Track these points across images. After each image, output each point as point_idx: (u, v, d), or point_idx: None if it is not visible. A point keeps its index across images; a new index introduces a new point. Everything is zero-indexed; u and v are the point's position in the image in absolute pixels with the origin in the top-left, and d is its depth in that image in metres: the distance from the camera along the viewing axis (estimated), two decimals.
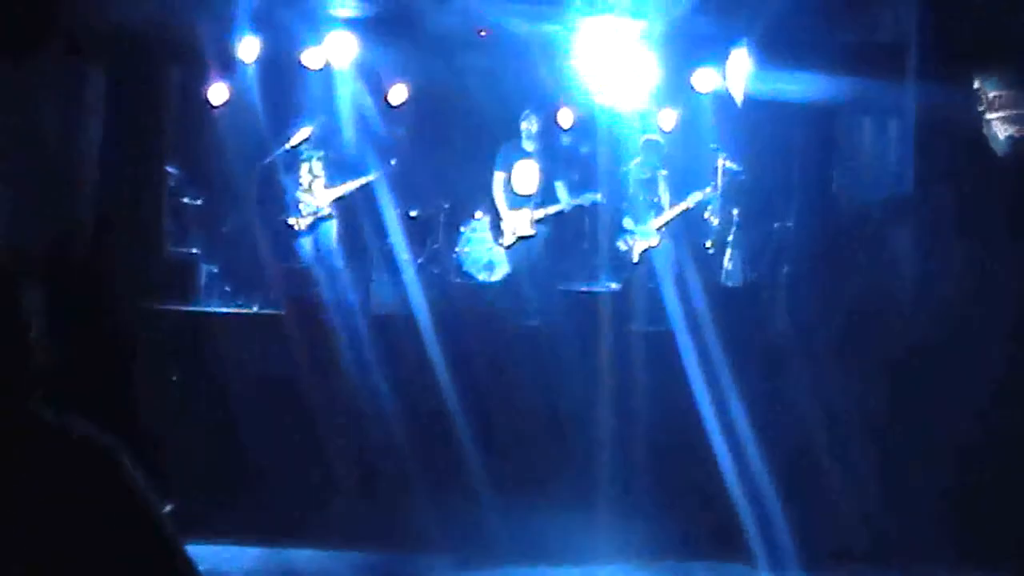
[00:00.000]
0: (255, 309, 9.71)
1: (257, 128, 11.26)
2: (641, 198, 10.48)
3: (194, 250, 10.67)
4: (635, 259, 10.37)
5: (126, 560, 1.79)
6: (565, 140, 11.81)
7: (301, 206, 10.73)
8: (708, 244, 10.75)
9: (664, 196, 10.46)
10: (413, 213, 11.51)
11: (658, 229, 10.35)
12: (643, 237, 10.38)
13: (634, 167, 10.61)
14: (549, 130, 10.95)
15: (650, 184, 10.51)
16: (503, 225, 10.59)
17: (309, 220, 10.74)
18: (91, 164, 8.32)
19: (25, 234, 7.76)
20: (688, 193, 10.39)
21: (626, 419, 8.23)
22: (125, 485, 1.82)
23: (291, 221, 10.74)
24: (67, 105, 8.06)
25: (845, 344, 8.35)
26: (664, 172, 10.55)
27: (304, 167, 10.81)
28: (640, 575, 7.26)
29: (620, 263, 10.70)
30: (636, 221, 10.45)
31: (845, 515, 7.53)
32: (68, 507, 1.75)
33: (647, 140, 10.64)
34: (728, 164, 10.66)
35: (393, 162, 11.18)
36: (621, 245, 10.55)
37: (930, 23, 8.30)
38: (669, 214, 10.36)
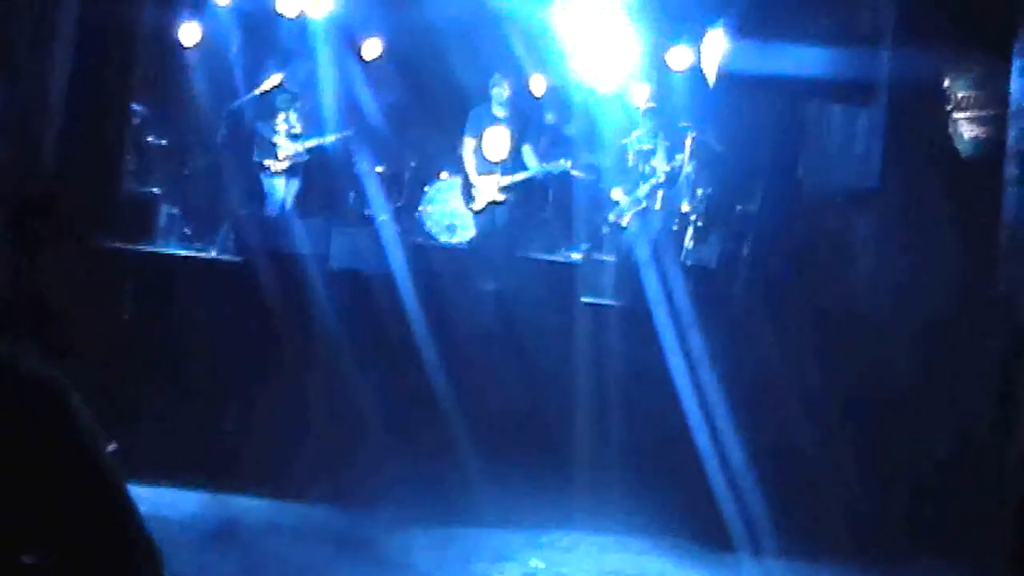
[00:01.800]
0: (213, 254, 9.66)
1: (227, 72, 11.18)
2: (640, 169, 10.53)
3: (156, 190, 10.59)
4: (624, 226, 10.46)
5: (67, 496, 1.80)
6: (536, 108, 11.80)
7: (278, 151, 10.71)
8: (679, 217, 10.80)
9: (660, 166, 10.50)
10: (379, 169, 11.49)
11: (645, 196, 10.46)
12: (631, 207, 10.46)
13: (636, 138, 10.64)
14: (520, 96, 10.95)
15: (649, 155, 10.56)
16: (473, 190, 10.59)
17: (285, 164, 10.72)
18: (56, 97, 8.21)
19: None
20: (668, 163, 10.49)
21: (576, 389, 8.28)
22: (70, 421, 1.82)
23: (267, 163, 10.70)
24: (34, 35, 7.94)
25: (800, 330, 8.43)
26: (667, 143, 10.58)
27: (281, 116, 10.78)
28: (587, 544, 7.34)
29: (588, 234, 10.79)
30: (628, 192, 10.51)
31: (810, 496, 7.62)
32: (11, 441, 1.76)
33: (648, 109, 10.65)
34: (696, 143, 10.70)
35: (365, 121, 11.19)
36: (611, 217, 10.62)
37: (906, 19, 8.35)
38: (653, 181, 10.44)
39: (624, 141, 10.71)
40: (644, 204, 10.47)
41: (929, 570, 7.11)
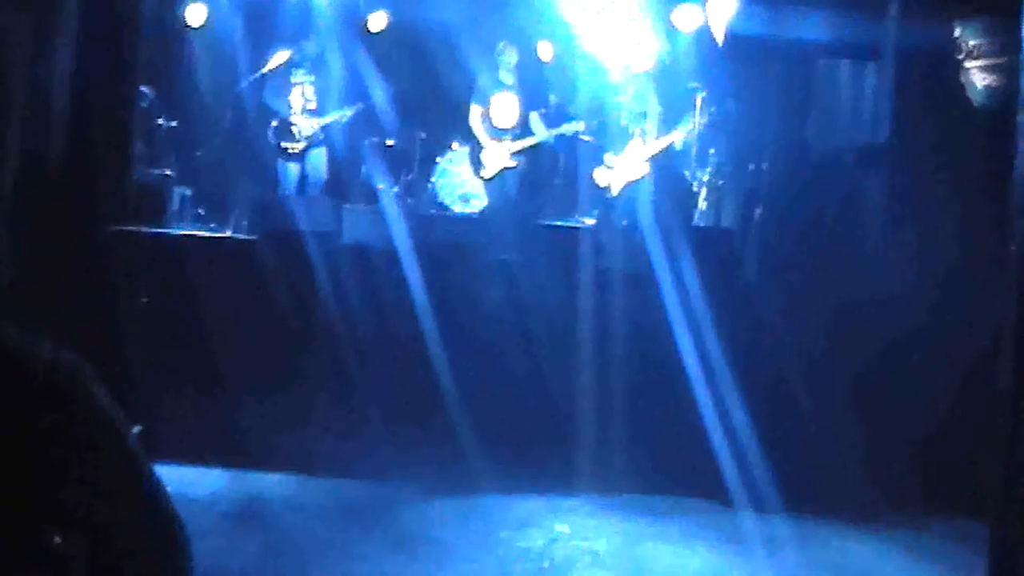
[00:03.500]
0: (228, 233, 9.66)
1: (235, 51, 11.14)
2: (629, 131, 10.42)
3: (168, 172, 10.59)
4: (615, 194, 10.35)
5: (93, 480, 1.81)
6: (544, 73, 11.73)
7: (295, 130, 10.68)
8: (692, 180, 10.71)
9: (651, 131, 10.39)
10: (390, 142, 11.47)
11: (641, 163, 10.35)
12: (623, 170, 10.35)
13: (625, 99, 10.53)
14: (527, 63, 10.88)
15: (639, 118, 10.45)
16: (483, 157, 10.55)
17: (303, 145, 10.70)
18: (63, 80, 8.20)
19: None
20: (671, 130, 10.33)
21: (593, 354, 8.28)
22: (92, 405, 1.83)
23: (284, 144, 10.68)
24: (40, 19, 7.93)
25: (813, 289, 8.41)
26: (659, 109, 10.46)
27: (296, 91, 10.74)
28: (610, 508, 7.36)
29: (596, 199, 10.70)
30: (618, 155, 10.42)
31: (816, 455, 7.63)
32: (33, 425, 1.77)
33: (637, 73, 10.54)
34: (706, 104, 10.61)
35: (374, 94, 11.15)
36: (600, 180, 10.52)
37: None
38: (652, 148, 10.32)
39: (614, 100, 10.58)
40: (639, 175, 10.33)
41: (943, 528, 7.15)
